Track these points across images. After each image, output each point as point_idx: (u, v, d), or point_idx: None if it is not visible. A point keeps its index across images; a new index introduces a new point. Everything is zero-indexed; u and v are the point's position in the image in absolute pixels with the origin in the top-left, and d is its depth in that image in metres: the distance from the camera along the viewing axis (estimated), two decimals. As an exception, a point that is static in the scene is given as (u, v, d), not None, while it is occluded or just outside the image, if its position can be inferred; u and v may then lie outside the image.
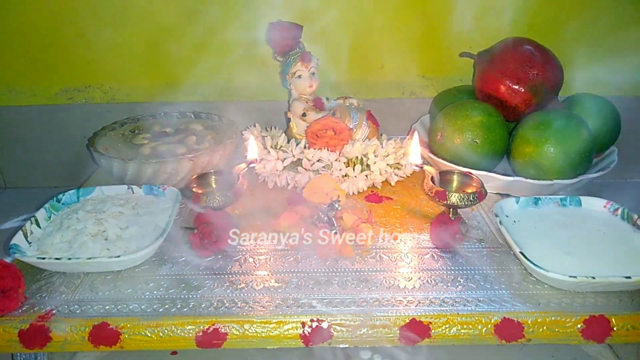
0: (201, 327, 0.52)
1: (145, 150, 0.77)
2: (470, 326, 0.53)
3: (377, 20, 0.93)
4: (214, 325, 0.53)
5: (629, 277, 0.53)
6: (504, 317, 0.53)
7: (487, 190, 0.66)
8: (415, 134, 0.71)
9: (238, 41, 0.92)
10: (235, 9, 0.90)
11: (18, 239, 0.61)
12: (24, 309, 0.55)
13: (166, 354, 0.65)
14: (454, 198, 0.63)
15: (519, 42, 0.80)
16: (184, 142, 0.80)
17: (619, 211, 0.66)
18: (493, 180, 0.74)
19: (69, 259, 0.57)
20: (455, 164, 0.75)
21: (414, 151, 0.68)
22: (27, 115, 1.00)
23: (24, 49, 0.95)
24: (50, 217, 0.66)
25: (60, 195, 0.70)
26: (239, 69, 0.95)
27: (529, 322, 0.52)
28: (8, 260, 0.58)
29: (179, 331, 0.52)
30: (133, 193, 0.71)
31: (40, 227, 0.64)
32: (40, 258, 0.57)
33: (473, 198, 0.63)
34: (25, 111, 0.99)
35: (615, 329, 0.52)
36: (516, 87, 0.78)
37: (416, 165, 0.68)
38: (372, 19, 0.93)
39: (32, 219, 0.64)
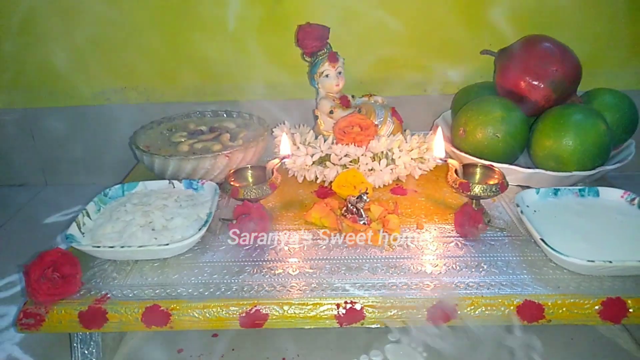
0: (244, 309, 0.57)
1: (183, 148, 0.81)
2: (494, 307, 0.56)
3: (399, 21, 0.96)
4: (255, 306, 0.57)
5: (645, 262, 0.56)
6: (526, 300, 0.56)
7: (509, 182, 0.69)
8: (439, 128, 0.74)
9: (268, 43, 0.96)
10: (266, 12, 0.94)
11: (73, 229, 0.65)
12: (81, 293, 0.59)
13: (207, 336, 0.69)
14: (477, 189, 0.66)
15: (539, 39, 0.83)
16: (219, 139, 0.85)
17: (636, 201, 0.69)
18: (514, 173, 0.76)
19: (122, 247, 0.62)
20: (477, 157, 0.78)
21: (438, 145, 0.72)
22: (66, 116, 1.05)
23: (64, 54, 1.00)
24: (99, 210, 0.71)
25: (107, 190, 0.75)
26: (269, 69, 0.99)
27: (549, 304, 0.56)
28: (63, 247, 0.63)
29: (224, 312, 0.57)
30: (174, 187, 0.76)
31: (91, 219, 0.69)
32: (95, 247, 0.62)
33: (495, 189, 0.66)
34: (65, 112, 1.05)
35: (631, 310, 0.55)
36: (536, 83, 0.80)
37: (440, 159, 0.71)
38: (394, 20, 0.96)
39: (84, 211, 0.69)
